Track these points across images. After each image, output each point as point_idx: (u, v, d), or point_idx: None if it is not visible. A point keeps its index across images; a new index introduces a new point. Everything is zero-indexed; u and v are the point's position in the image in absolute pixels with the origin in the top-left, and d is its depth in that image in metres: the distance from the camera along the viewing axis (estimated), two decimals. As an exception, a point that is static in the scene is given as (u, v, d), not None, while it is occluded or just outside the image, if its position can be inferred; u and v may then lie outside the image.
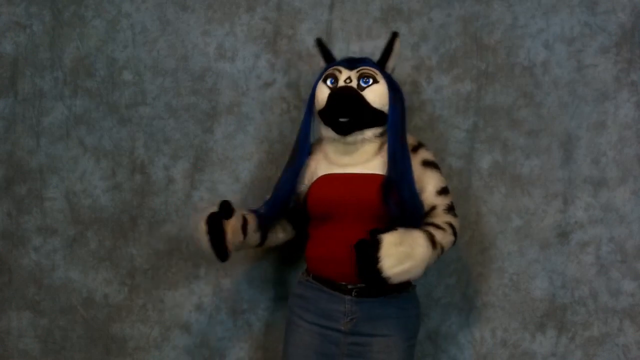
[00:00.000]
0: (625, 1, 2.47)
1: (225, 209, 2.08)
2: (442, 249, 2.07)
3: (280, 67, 2.59)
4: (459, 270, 2.53)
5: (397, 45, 2.23)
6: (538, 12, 2.51)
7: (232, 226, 2.09)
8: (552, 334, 2.51)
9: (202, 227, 2.05)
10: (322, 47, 2.28)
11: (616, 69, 2.48)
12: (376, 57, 2.53)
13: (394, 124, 2.14)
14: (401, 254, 1.91)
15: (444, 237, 2.07)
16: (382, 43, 2.52)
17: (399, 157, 2.11)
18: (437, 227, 2.09)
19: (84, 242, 2.66)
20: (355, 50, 2.54)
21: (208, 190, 2.61)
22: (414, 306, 2.21)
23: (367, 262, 1.91)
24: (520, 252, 2.52)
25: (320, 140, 2.27)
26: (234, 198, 2.57)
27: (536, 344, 2.52)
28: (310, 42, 2.56)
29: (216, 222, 2.05)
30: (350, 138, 2.14)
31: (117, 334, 2.65)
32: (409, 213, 2.07)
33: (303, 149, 2.21)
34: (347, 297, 2.10)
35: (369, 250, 1.91)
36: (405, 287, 2.15)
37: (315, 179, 2.19)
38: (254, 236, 2.20)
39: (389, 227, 1.95)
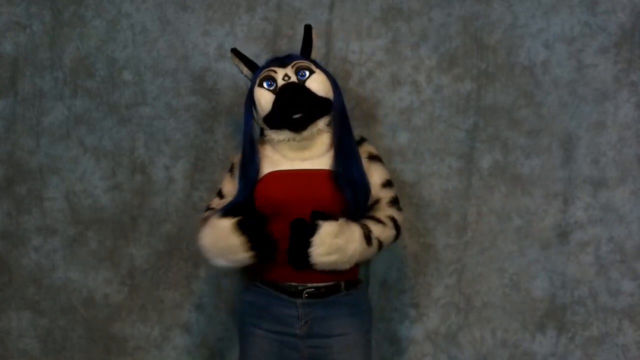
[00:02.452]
0: (625, 1, 2.47)
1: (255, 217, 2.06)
2: (380, 244, 2.08)
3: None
4: (459, 270, 2.53)
5: (315, 36, 2.24)
6: (538, 11, 2.51)
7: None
8: (552, 334, 2.51)
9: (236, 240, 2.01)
10: (241, 56, 2.26)
11: (616, 69, 2.48)
12: (376, 57, 2.55)
13: (338, 111, 2.15)
14: (334, 245, 1.96)
15: (383, 232, 2.08)
16: (382, 43, 2.54)
17: (346, 140, 2.12)
18: (378, 221, 2.10)
19: (84, 242, 2.66)
20: (355, 50, 2.55)
21: (208, 190, 2.61)
22: (364, 301, 2.20)
23: (299, 242, 1.97)
24: (521, 252, 2.52)
25: (261, 142, 2.21)
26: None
27: (536, 344, 2.52)
28: (310, 42, 2.56)
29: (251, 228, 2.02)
30: (306, 133, 2.10)
31: (117, 333, 2.65)
32: (359, 195, 2.08)
33: (252, 159, 2.15)
34: (299, 301, 2.07)
35: (305, 232, 1.96)
36: (354, 285, 2.14)
37: (260, 177, 2.13)
38: None
39: (331, 215, 1.98)
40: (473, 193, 2.53)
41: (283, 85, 2.08)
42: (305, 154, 2.13)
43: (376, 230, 2.06)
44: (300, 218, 1.99)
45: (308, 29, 2.25)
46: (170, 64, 2.63)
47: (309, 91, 2.08)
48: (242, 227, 2.00)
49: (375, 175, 2.17)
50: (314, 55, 2.24)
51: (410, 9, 2.55)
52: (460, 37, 2.53)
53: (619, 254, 2.49)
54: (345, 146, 2.12)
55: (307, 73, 2.11)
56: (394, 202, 2.18)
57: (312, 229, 1.96)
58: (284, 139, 2.12)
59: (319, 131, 2.12)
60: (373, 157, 2.20)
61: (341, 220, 1.99)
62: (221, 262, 2.08)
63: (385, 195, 2.17)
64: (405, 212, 2.50)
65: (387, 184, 2.19)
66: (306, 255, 1.96)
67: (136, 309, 2.65)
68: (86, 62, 2.65)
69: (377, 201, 2.16)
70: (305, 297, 2.07)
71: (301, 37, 2.55)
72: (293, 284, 2.08)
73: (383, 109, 2.55)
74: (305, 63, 2.14)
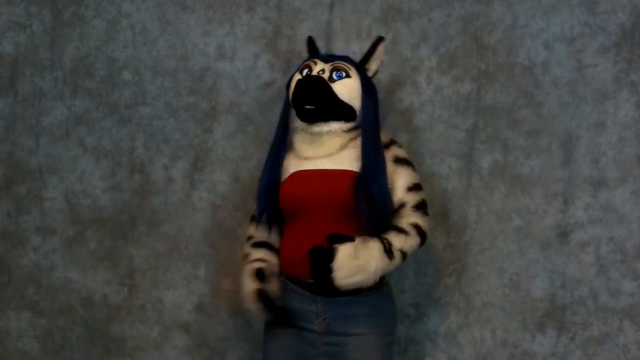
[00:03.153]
0: (625, 1, 2.47)
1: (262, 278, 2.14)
2: (404, 254, 2.07)
3: (280, 67, 2.59)
4: (459, 270, 2.53)
5: (380, 49, 2.25)
6: (538, 11, 2.51)
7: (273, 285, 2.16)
8: (552, 334, 2.51)
9: (254, 305, 2.12)
10: (311, 45, 2.34)
11: (616, 69, 2.48)
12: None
13: (367, 123, 2.16)
14: (354, 267, 1.97)
15: (405, 242, 2.07)
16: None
17: (372, 156, 2.12)
18: (400, 231, 2.08)
19: (83, 242, 2.66)
20: (355, 50, 2.54)
21: (208, 190, 2.61)
22: (387, 303, 2.20)
23: (320, 270, 1.98)
24: (521, 252, 2.51)
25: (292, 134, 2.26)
26: (233, 198, 2.59)
27: (536, 344, 2.51)
28: (310, 42, 2.56)
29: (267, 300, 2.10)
30: (315, 128, 2.15)
31: (117, 334, 2.65)
32: (378, 212, 2.08)
33: (283, 143, 2.21)
34: (318, 297, 2.09)
35: (323, 259, 1.96)
36: (377, 286, 2.13)
37: (287, 176, 2.17)
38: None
39: (346, 237, 1.99)
40: (473, 193, 2.53)
41: (309, 76, 2.13)
42: (310, 150, 2.16)
43: (397, 242, 2.05)
44: (318, 246, 2.00)
45: (378, 40, 2.26)
46: (170, 63, 2.63)
47: (330, 90, 2.11)
48: (260, 296, 2.10)
49: (401, 179, 2.16)
50: (373, 67, 2.25)
51: (410, 9, 2.55)
52: (460, 38, 2.53)
53: (619, 254, 2.49)
54: (371, 160, 2.12)
55: (343, 75, 2.14)
56: (419, 206, 2.15)
57: (330, 255, 1.96)
58: (298, 126, 2.20)
59: (331, 132, 2.15)
60: (400, 160, 2.19)
61: (358, 240, 1.99)
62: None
63: (411, 199, 2.15)
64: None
65: (414, 187, 2.17)
66: (330, 281, 1.97)
67: (135, 309, 2.64)
68: (86, 62, 2.65)
69: (402, 205, 2.14)
70: (325, 295, 2.09)
71: (301, 37, 2.57)
72: (312, 282, 2.09)
73: (383, 110, 2.52)
74: (346, 66, 2.17)
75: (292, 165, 2.18)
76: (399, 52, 2.55)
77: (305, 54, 2.48)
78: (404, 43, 2.55)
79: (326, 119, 2.14)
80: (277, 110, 2.55)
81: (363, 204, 2.06)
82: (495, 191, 2.52)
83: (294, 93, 2.14)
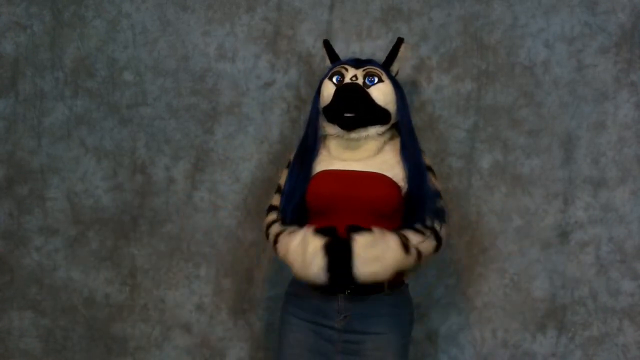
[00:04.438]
0: (625, 1, 2.46)
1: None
2: (420, 253, 2.06)
3: (280, 67, 2.59)
4: (459, 270, 2.53)
5: (402, 50, 2.26)
6: (538, 11, 2.50)
7: None
8: (553, 334, 2.51)
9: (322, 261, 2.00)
10: (329, 48, 2.32)
11: (616, 69, 2.47)
12: (377, 57, 2.54)
13: (405, 125, 2.19)
14: (371, 256, 1.96)
15: (421, 242, 2.07)
16: (382, 43, 2.54)
17: (418, 157, 2.17)
18: (417, 231, 2.09)
19: (85, 242, 2.67)
20: (355, 50, 2.54)
21: (209, 190, 2.61)
22: (406, 304, 2.21)
23: (337, 259, 1.96)
24: (521, 252, 2.52)
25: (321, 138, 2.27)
26: (234, 198, 2.60)
27: (536, 344, 2.52)
28: (310, 42, 2.56)
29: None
30: (354, 134, 2.16)
31: (118, 333, 2.66)
32: (423, 210, 2.11)
33: (314, 149, 2.21)
34: (341, 295, 2.10)
35: (341, 248, 1.96)
36: (398, 286, 2.15)
37: (313, 174, 2.18)
38: None
39: (366, 228, 1.99)
40: (473, 193, 2.53)
41: (347, 83, 2.13)
42: (348, 154, 2.17)
43: (414, 239, 2.06)
44: (334, 237, 1.99)
45: (399, 41, 2.27)
46: (170, 64, 2.63)
47: (367, 96, 2.13)
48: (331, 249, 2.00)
49: (431, 186, 2.19)
50: (396, 68, 2.26)
51: (410, 9, 2.55)
52: (460, 37, 2.53)
53: (619, 254, 2.49)
54: (419, 164, 2.15)
55: (376, 80, 2.15)
56: (440, 213, 2.16)
57: (347, 244, 1.96)
58: (334, 134, 2.19)
59: (368, 137, 2.16)
60: (426, 169, 2.22)
61: (376, 231, 2.00)
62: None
63: (435, 205, 2.18)
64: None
65: (438, 194, 2.20)
66: (346, 270, 1.96)
67: (137, 308, 2.65)
68: (87, 62, 2.66)
69: None
70: (348, 293, 2.09)
71: (301, 37, 2.57)
72: None
73: (383, 109, 2.54)
74: (377, 71, 2.18)
75: (320, 165, 2.19)
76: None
77: (305, 55, 2.48)
78: (404, 43, 2.54)
79: (364, 124, 2.15)
80: (278, 110, 2.58)
81: (400, 209, 2.10)
82: (496, 191, 2.52)
83: (333, 102, 2.14)
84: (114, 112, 2.65)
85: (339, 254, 1.97)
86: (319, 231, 2.02)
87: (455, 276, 2.54)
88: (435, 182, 2.21)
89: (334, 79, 2.18)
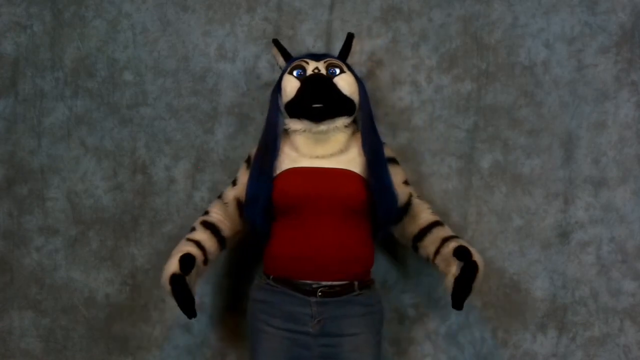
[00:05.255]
0: (625, 1, 2.46)
1: (185, 266, 2.07)
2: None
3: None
4: (459, 270, 2.53)
5: (354, 45, 2.31)
6: (538, 11, 2.50)
7: (194, 277, 2.13)
8: (553, 334, 2.51)
9: (167, 287, 2.08)
10: (280, 47, 2.32)
11: (616, 68, 2.47)
12: (377, 56, 2.55)
13: (367, 115, 2.19)
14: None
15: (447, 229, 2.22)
16: (382, 43, 2.54)
17: (375, 145, 2.17)
18: (439, 225, 2.21)
19: (85, 242, 2.67)
20: (355, 50, 2.54)
21: (209, 190, 2.61)
22: (377, 301, 2.21)
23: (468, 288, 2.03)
24: (521, 252, 2.51)
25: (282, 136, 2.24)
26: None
27: (537, 345, 2.52)
28: (310, 42, 2.56)
29: (181, 284, 2.06)
30: (322, 126, 2.13)
31: (119, 333, 2.66)
32: (385, 204, 2.11)
33: (275, 149, 2.17)
34: (313, 299, 2.08)
35: (473, 277, 2.02)
36: (367, 285, 2.15)
37: (278, 173, 2.14)
38: (216, 256, 2.25)
39: (464, 247, 2.05)
40: (473, 193, 2.53)
41: (312, 75, 2.12)
42: (318, 149, 2.14)
43: (451, 232, 2.20)
44: (469, 260, 2.04)
45: (350, 37, 2.31)
46: (170, 64, 2.63)
47: (334, 85, 2.12)
48: (173, 282, 2.06)
49: (398, 176, 2.22)
50: (352, 62, 2.29)
51: (410, 9, 2.55)
52: (460, 37, 2.53)
53: (620, 254, 2.48)
54: (378, 153, 2.15)
55: (338, 71, 2.15)
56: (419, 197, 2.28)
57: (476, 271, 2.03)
58: (300, 129, 2.15)
59: (336, 129, 2.14)
60: (390, 160, 2.23)
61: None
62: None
63: (413, 191, 2.26)
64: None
65: (407, 182, 2.27)
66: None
67: (137, 308, 2.65)
68: (87, 62, 2.66)
69: (410, 195, 2.24)
70: (319, 296, 2.08)
71: (301, 37, 2.58)
72: (307, 282, 2.09)
73: (383, 109, 2.54)
74: (338, 62, 2.19)
75: (285, 162, 2.16)
76: (398, 51, 2.55)
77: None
78: (404, 42, 2.55)
79: (332, 115, 2.13)
80: (278, 110, 2.58)
81: (371, 203, 2.10)
82: (496, 191, 2.52)
83: (299, 94, 2.12)
84: (114, 112, 2.65)
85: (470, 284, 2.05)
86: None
87: (456, 276, 2.53)
88: (402, 171, 2.25)
89: (295, 73, 2.16)
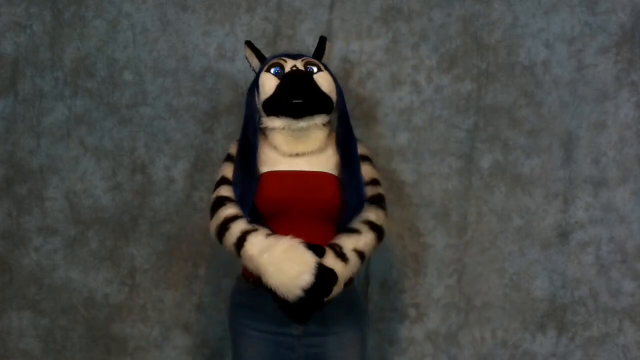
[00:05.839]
0: (625, 1, 2.47)
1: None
2: (360, 253, 2.02)
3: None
4: (459, 270, 2.53)
5: (327, 48, 2.26)
6: (538, 11, 2.51)
7: None
8: (553, 334, 2.51)
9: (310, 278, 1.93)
10: (254, 48, 2.27)
11: (616, 69, 2.47)
12: (376, 56, 2.55)
13: (343, 114, 2.15)
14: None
15: (358, 241, 2.02)
16: (382, 43, 2.54)
17: (352, 147, 2.12)
18: (351, 231, 2.05)
19: (84, 242, 2.66)
20: (355, 49, 2.55)
21: (208, 190, 2.60)
22: (358, 299, 2.19)
23: (322, 283, 1.91)
24: (521, 252, 2.52)
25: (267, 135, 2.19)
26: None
27: (536, 344, 2.52)
28: (310, 42, 2.56)
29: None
30: (302, 123, 2.08)
31: (118, 333, 2.65)
32: (352, 206, 2.06)
33: (256, 147, 2.12)
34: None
35: (329, 274, 1.92)
36: (348, 283, 2.08)
37: (259, 174, 2.09)
38: None
39: (322, 248, 1.95)
40: (473, 193, 2.53)
41: (292, 71, 2.09)
42: (299, 147, 2.10)
43: (349, 243, 2.01)
44: (324, 267, 1.92)
45: (323, 40, 2.28)
46: (170, 64, 2.63)
47: (314, 82, 2.09)
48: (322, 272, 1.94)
49: (366, 176, 2.14)
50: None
51: (410, 9, 2.55)
52: (460, 37, 2.53)
53: (619, 254, 2.49)
54: (351, 152, 2.12)
55: (315, 69, 2.12)
56: (374, 200, 2.11)
57: (334, 279, 1.93)
58: (279, 127, 2.10)
59: (315, 126, 2.10)
60: (362, 158, 2.17)
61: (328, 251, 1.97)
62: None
63: (378, 191, 2.14)
64: (405, 212, 2.52)
65: (373, 182, 2.15)
66: (321, 297, 1.93)
67: (136, 308, 2.65)
68: (86, 62, 2.65)
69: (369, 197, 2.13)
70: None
71: (301, 37, 2.58)
72: None
73: (383, 109, 2.55)
74: (315, 61, 2.17)
75: (265, 165, 2.11)
76: (399, 51, 2.55)
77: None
78: (404, 42, 2.55)
79: (311, 112, 2.09)
80: (278, 110, 2.57)
81: (353, 199, 2.05)
82: (496, 191, 2.52)
83: (279, 90, 2.08)
84: (114, 112, 2.65)
85: (325, 279, 1.92)
86: (311, 248, 1.94)
87: (455, 276, 2.53)
88: (371, 171, 2.16)
89: (273, 71, 2.11)
